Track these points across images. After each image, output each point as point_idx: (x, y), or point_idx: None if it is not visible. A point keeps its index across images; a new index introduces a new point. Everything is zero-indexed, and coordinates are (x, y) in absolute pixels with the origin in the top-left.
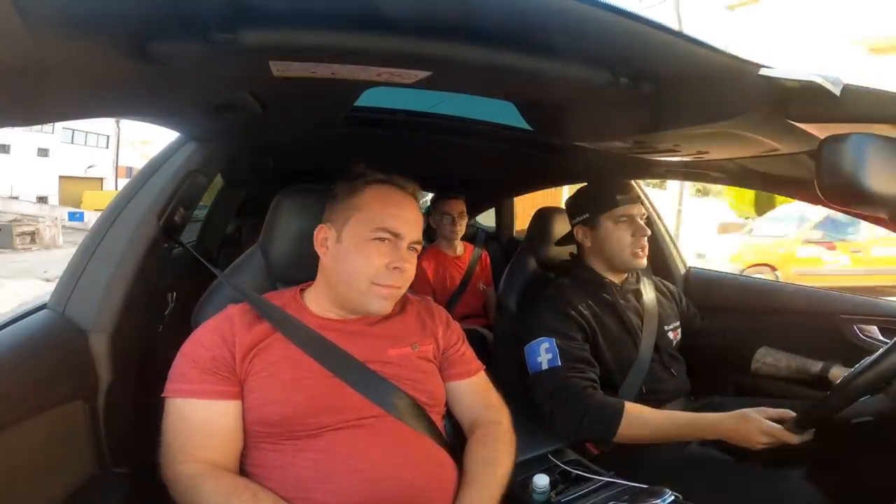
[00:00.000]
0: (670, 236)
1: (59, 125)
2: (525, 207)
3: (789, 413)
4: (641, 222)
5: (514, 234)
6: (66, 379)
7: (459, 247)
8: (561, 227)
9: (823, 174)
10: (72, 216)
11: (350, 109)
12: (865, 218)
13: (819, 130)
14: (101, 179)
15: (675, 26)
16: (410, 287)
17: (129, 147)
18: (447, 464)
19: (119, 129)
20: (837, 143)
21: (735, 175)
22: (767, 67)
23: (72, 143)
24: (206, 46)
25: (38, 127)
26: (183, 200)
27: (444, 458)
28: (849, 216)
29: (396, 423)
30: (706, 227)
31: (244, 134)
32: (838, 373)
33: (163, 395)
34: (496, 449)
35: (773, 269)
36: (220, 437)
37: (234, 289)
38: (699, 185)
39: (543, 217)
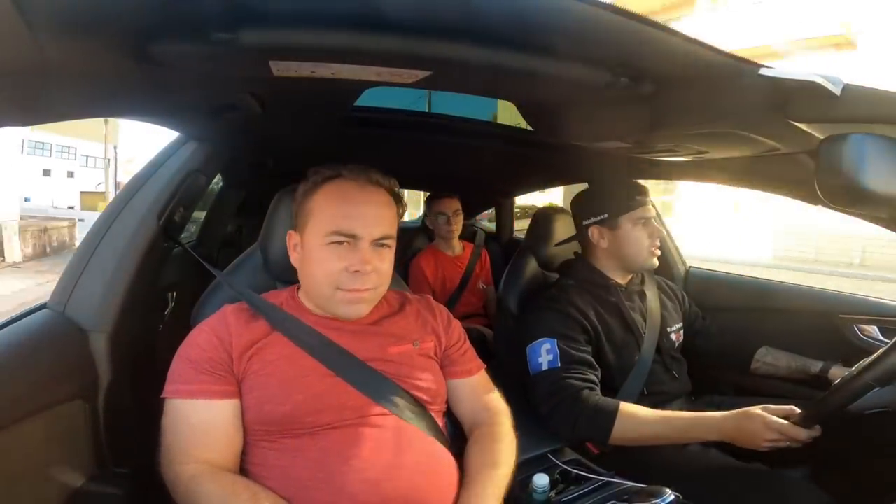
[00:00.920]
0: (670, 235)
1: (80, 152)
2: None
3: (794, 409)
4: (654, 223)
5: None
6: (66, 379)
7: (458, 246)
8: (562, 227)
9: (823, 174)
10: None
11: (350, 109)
12: (865, 218)
13: (819, 130)
14: (104, 193)
15: None
16: (409, 287)
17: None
18: (448, 463)
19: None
20: (837, 142)
21: (735, 175)
22: (767, 67)
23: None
24: (207, 47)
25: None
26: (183, 200)
27: (446, 457)
28: None
29: (397, 422)
30: None
31: (244, 134)
32: (838, 372)
33: (161, 395)
34: (497, 450)
35: None
36: (220, 437)
37: (232, 288)
38: None
39: (544, 217)
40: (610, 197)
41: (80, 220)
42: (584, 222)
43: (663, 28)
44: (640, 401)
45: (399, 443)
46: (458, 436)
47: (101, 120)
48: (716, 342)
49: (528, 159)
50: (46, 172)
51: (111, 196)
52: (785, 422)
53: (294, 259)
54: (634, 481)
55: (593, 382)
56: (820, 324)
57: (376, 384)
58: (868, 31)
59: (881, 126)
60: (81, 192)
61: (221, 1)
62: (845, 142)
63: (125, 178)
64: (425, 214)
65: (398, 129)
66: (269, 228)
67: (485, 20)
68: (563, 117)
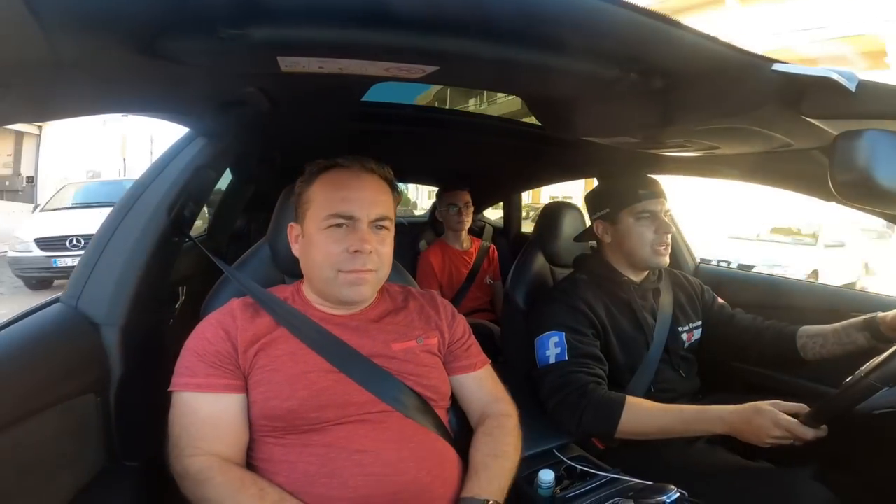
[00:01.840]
0: (680, 232)
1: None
2: None
3: (804, 407)
4: (665, 219)
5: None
6: (79, 372)
7: (466, 240)
8: (570, 222)
9: (837, 170)
10: None
11: (357, 104)
12: (879, 215)
13: (833, 126)
14: None
15: None
16: (418, 282)
17: None
18: (451, 459)
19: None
20: (852, 139)
21: (746, 171)
22: (781, 63)
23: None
24: (215, 43)
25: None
26: (192, 195)
27: (449, 453)
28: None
29: (401, 419)
30: None
31: (253, 129)
32: (885, 319)
33: (169, 389)
34: (505, 442)
35: None
36: (227, 431)
37: (239, 283)
38: None
39: (552, 212)
40: (612, 191)
41: None
42: (591, 217)
43: (673, 22)
44: (645, 398)
45: (402, 438)
46: (462, 432)
47: None
48: (752, 333)
49: (536, 154)
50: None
51: None
52: (793, 419)
53: (296, 250)
54: (640, 478)
55: (600, 377)
56: (831, 321)
57: (380, 380)
58: None
59: None
60: None
61: None
62: (860, 138)
63: None
64: (435, 207)
65: (406, 123)
66: (276, 223)
67: (493, 14)
68: (571, 112)
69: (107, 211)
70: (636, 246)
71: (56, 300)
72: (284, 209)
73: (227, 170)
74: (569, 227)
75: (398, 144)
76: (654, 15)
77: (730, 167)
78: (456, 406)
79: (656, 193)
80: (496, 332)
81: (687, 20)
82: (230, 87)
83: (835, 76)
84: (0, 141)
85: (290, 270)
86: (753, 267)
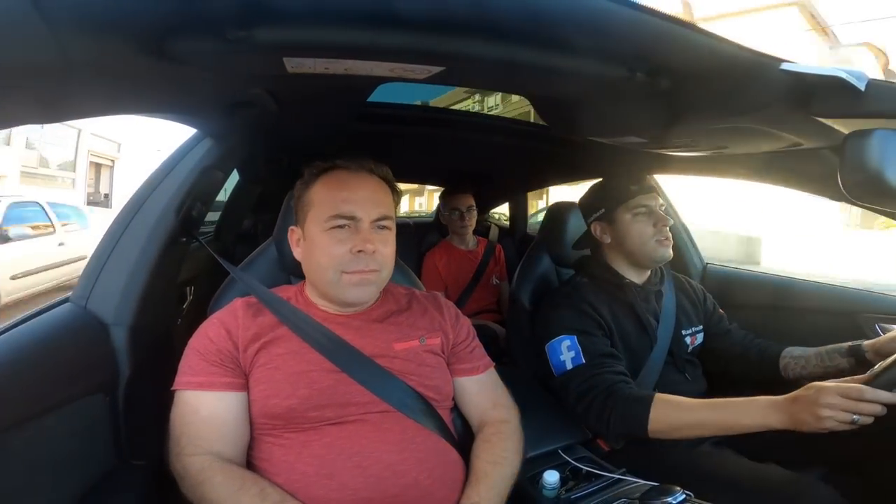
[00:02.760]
0: (687, 232)
1: None
2: None
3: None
4: (660, 212)
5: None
6: (88, 372)
7: (472, 241)
8: (575, 222)
9: (847, 170)
10: None
11: (363, 105)
12: (888, 214)
13: (843, 126)
14: None
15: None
16: (423, 282)
17: None
18: (454, 460)
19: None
20: (862, 138)
21: (755, 170)
22: (789, 62)
23: None
24: (222, 44)
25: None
26: (200, 196)
27: (452, 455)
28: None
29: (402, 419)
30: None
31: (259, 130)
32: (870, 346)
33: (172, 388)
34: (505, 448)
35: None
36: (229, 429)
37: (244, 282)
38: None
39: (558, 212)
40: (605, 191)
41: None
42: (588, 220)
43: (680, 22)
44: None
45: (402, 439)
46: (466, 433)
47: None
48: (738, 350)
49: (542, 155)
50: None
51: None
52: (856, 385)
53: (297, 253)
54: (646, 479)
55: (624, 373)
56: (841, 323)
57: (381, 380)
58: None
59: None
60: None
61: None
62: (870, 137)
63: None
64: (439, 210)
65: (412, 124)
66: (282, 224)
67: (499, 15)
68: (577, 113)
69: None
70: (637, 243)
71: (66, 300)
72: (290, 210)
73: (234, 171)
74: (574, 228)
75: (404, 145)
76: (661, 15)
77: (738, 167)
78: (459, 408)
79: (648, 188)
80: (500, 334)
81: None
82: (237, 89)
83: (844, 75)
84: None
85: (296, 271)
86: None
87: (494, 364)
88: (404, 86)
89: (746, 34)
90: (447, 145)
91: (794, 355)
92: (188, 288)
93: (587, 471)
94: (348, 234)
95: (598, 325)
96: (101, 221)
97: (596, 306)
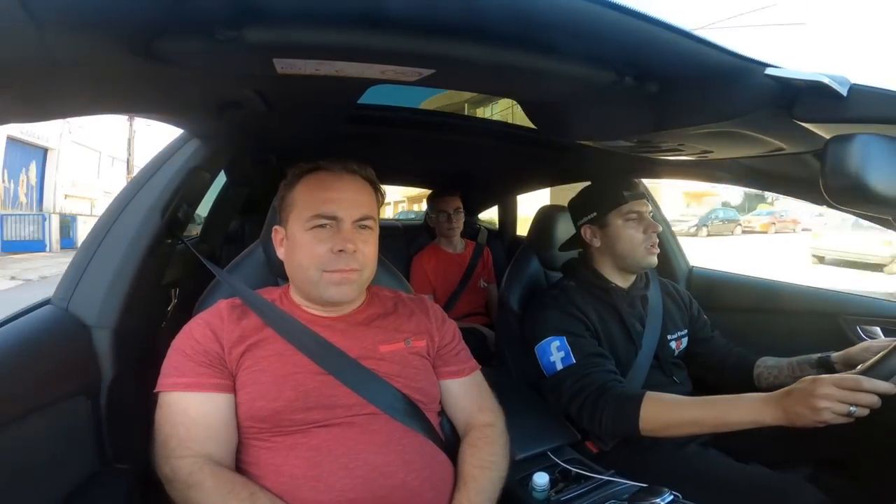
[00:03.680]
0: (673, 234)
1: None
2: None
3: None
4: (651, 218)
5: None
6: (69, 374)
7: (460, 244)
8: (564, 225)
9: (829, 174)
10: None
11: (353, 107)
12: (870, 219)
13: (825, 130)
14: None
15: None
16: (411, 285)
17: None
18: (442, 461)
19: None
20: (843, 143)
21: (739, 175)
22: (774, 67)
23: None
24: (211, 44)
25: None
26: (186, 197)
27: (440, 456)
28: None
29: (389, 421)
30: None
31: (248, 131)
32: (839, 357)
33: (156, 389)
34: (492, 452)
35: None
36: (217, 431)
37: (230, 285)
38: None
39: (546, 215)
40: (597, 194)
41: None
42: (578, 223)
43: (669, 27)
44: None
45: (389, 441)
46: (454, 435)
47: None
48: (716, 359)
49: (531, 158)
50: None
51: None
52: (851, 375)
53: (281, 253)
54: (634, 481)
55: (615, 371)
56: (823, 325)
57: (367, 382)
58: None
59: (887, 126)
60: None
61: None
62: (851, 142)
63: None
64: (427, 213)
65: (402, 126)
66: (270, 225)
67: (489, 18)
68: (566, 116)
69: None
70: (627, 248)
71: (47, 302)
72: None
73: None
74: (562, 231)
75: (394, 147)
76: (649, 18)
77: (723, 171)
78: (444, 411)
79: (640, 194)
80: (489, 337)
81: None
82: (226, 89)
83: (827, 80)
84: None
85: (283, 273)
86: None
87: (481, 367)
88: (397, 89)
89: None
90: (437, 147)
91: (768, 365)
92: (173, 290)
93: (576, 472)
94: (329, 233)
95: (586, 326)
96: None
97: (583, 309)
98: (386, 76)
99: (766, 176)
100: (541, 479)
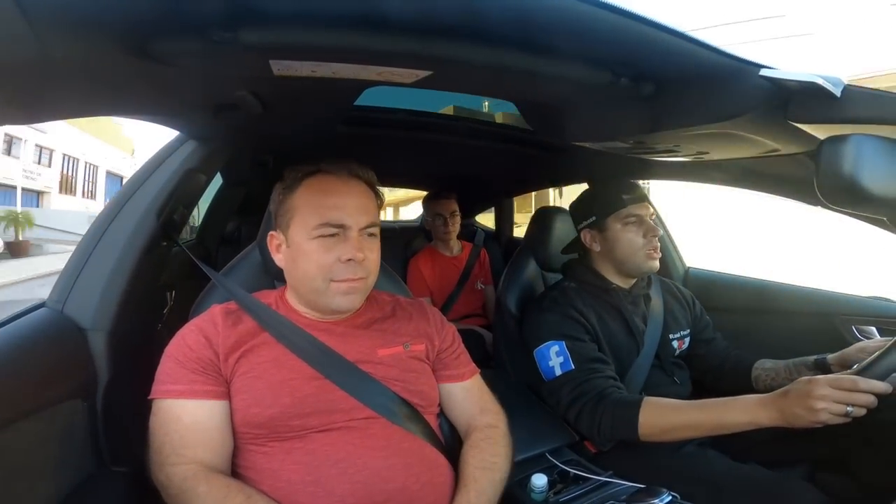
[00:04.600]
0: (669, 236)
1: None
2: None
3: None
4: (651, 222)
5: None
6: (65, 377)
7: (457, 246)
8: (562, 227)
9: (823, 175)
10: None
11: (350, 108)
12: (864, 219)
13: (819, 131)
14: None
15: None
16: (408, 287)
17: None
18: (442, 465)
19: None
20: (837, 143)
21: (735, 176)
22: (768, 68)
23: None
24: (207, 45)
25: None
26: (182, 199)
27: (439, 460)
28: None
29: (388, 425)
30: None
31: (244, 133)
32: (835, 360)
33: (150, 397)
34: (494, 453)
35: None
36: (212, 438)
37: (225, 288)
38: None
39: (543, 217)
40: (597, 198)
41: None
42: (578, 227)
43: (665, 28)
44: None
45: (388, 445)
46: (454, 438)
47: None
48: (716, 362)
49: (527, 159)
50: None
51: None
52: (847, 375)
53: (279, 260)
54: (632, 482)
55: (613, 377)
56: (819, 325)
57: (364, 386)
58: None
59: (881, 127)
60: None
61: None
62: (845, 143)
63: None
64: (424, 215)
65: (398, 128)
66: (266, 227)
67: (486, 19)
68: (562, 117)
69: None
70: (627, 253)
71: (42, 304)
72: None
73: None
74: (560, 232)
75: (390, 148)
76: (644, 20)
77: (719, 172)
78: (446, 414)
79: (640, 198)
80: (487, 338)
81: None
82: (222, 91)
83: (821, 81)
84: None
85: (280, 275)
86: None
87: (480, 370)
88: (392, 89)
89: None
90: (433, 149)
91: (766, 367)
92: (169, 292)
93: (575, 474)
94: (336, 241)
95: (586, 329)
96: None
97: (583, 311)
98: (383, 78)
99: (761, 177)
100: (539, 480)
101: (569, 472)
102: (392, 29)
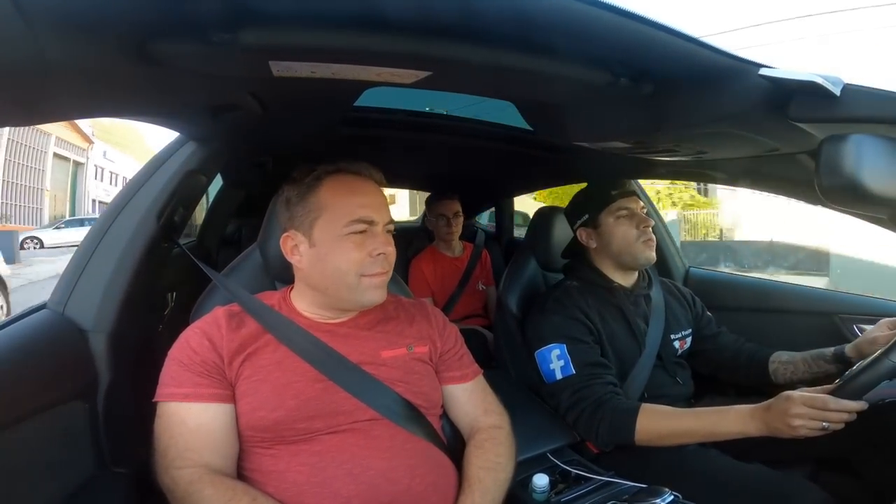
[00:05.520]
0: (669, 235)
1: None
2: None
3: (828, 390)
4: (642, 213)
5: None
6: (66, 379)
7: (458, 247)
8: (561, 227)
9: (823, 174)
10: None
11: (350, 109)
12: (864, 218)
13: (819, 130)
14: None
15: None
16: (410, 287)
17: None
18: (446, 466)
19: None
20: (837, 142)
21: (735, 175)
22: (768, 67)
23: None
24: (206, 47)
25: None
26: (182, 201)
27: (443, 461)
28: None
29: (392, 427)
30: None
31: (244, 134)
32: (852, 349)
33: (154, 399)
34: (498, 453)
35: None
36: (217, 441)
37: (226, 290)
38: None
39: (544, 217)
40: (587, 196)
41: None
42: (573, 227)
43: (664, 28)
44: None
45: (393, 446)
46: (457, 439)
47: None
48: (728, 355)
49: (528, 159)
50: None
51: None
52: (821, 395)
53: (297, 261)
54: (634, 481)
55: (613, 383)
56: (820, 324)
57: (368, 388)
58: None
59: (881, 126)
60: None
61: (221, 1)
62: (845, 142)
63: None
64: (425, 216)
65: (398, 129)
66: (268, 229)
67: (485, 20)
68: (562, 117)
69: None
70: (623, 245)
71: (43, 306)
72: (276, 214)
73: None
74: (560, 232)
75: (390, 149)
76: (644, 20)
77: (718, 171)
78: (449, 415)
79: (628, 191)
80: (489, 338)
81: None
82: (222, 92)
83: (820, 80)
84: None
85: (281, 276)
86: None
87: (483, 371)
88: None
89: None
90: (433, 149)
91: (783, 360)
92: (170, 294)
93: (576, 474)
94: (365, 238)
95: (588, 330)
96: None
97: (585, 311)
98: (382, 78)
99: (761, 176)
100: (541, 480)
101: (570, 472)
102: (391, 29)
